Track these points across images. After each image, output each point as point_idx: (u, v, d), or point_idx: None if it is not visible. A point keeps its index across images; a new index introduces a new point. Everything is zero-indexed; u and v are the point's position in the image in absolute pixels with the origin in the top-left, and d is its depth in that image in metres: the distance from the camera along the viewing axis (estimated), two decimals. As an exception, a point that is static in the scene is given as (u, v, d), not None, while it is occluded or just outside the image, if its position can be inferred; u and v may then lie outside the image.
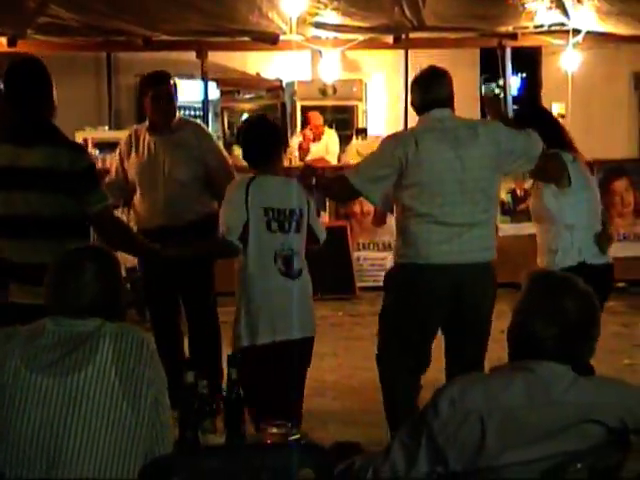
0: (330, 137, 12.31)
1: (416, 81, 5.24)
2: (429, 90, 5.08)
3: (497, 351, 4.92)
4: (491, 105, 5.64)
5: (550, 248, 5.39)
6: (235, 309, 4.91)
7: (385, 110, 13.81)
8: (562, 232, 5.37)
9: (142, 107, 6.30)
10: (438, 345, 5.12)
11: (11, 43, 10.75)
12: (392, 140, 5.14)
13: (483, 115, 13.52)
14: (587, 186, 5.50)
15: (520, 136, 5.16)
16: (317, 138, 12.07)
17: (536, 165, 5.23)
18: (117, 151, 6.33)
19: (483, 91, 4.73)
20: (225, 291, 9.78)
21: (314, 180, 5.23)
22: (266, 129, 5.14)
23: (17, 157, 4.41)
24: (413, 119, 5.47)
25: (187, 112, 13.61)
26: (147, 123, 6.16)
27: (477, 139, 4.96)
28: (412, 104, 5.26)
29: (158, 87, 6.08)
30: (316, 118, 12.18)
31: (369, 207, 10.25)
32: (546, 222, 5.46)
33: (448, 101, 5.09)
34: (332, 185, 5.41)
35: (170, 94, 6.12)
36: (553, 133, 5.46)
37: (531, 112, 5.77)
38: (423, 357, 5.05)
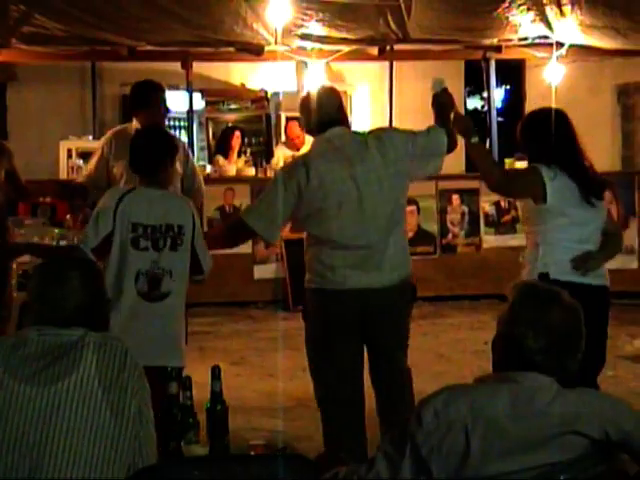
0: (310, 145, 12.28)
1: (305, 103, 4.92)
2: (319, 110, 4.79)
3: (479, 362, 4.96)
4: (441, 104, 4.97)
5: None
6: None
7: (369, 121, 13.82)
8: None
9: (137, 112, 6.29)
10: (418, 356, 5.10)
11: (-5, 52, 10.75)
12: (282, 173, 4.84)
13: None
14: (575, 205, 4.93)
15: (419, 137, 4.84)
16: (298, 148, 12.07)
17: (505, 182, 5.01)
18: (100, 152, 6.35)
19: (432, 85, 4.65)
20: (198, 302, 9.79)
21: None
22: (153, 139, 4.88)
23: None
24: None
25: (172, 122, 13.62)
26: (138, 126, 6.17)
27: (368, 152, 4.71)
28: (306, 128, 5.05)
29: (162, 92, 6.17)
30: (294, 129, 12.16)
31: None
32: (537, 222, 4.98)
33: (341, 119, 4.84)
34: (221, 232, 5.21)
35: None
36: (547, 146, 4.99)
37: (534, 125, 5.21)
38: (352, 382, 4.80)
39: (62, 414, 2.79)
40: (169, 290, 4.62)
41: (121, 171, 6.12)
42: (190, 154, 6.69)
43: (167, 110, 6.29)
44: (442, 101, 5.00)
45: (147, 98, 6.26)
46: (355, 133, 4.97)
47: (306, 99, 4.92)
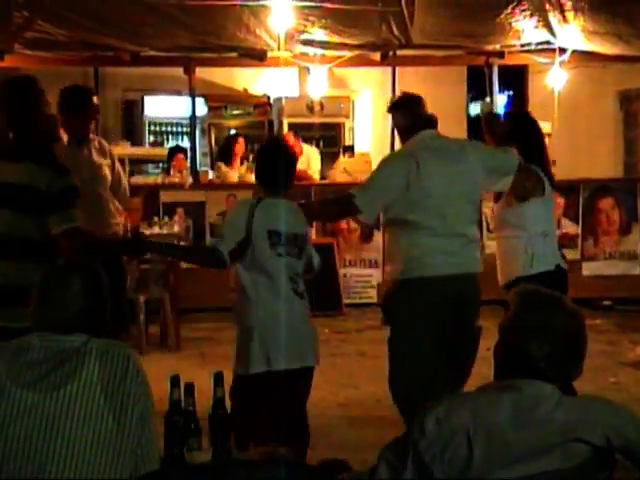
0: (311, 154, 12.29)
1: (401, 105, 5.37)
2: (417, 112, 5.26)
3: (482, 368, 4.94)
4: (489, 123, 5.82)
5: (523, 253, 5.52)
6: (238, 333, 4.74)
7: (372, 127, 13.84)
8: (536, 238, 5.56)
9: (67, 116, 6.29)
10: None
11: (-2, 58, 10.76)
12: (393, 161, 5.31)
13: (470, 132, 13.56)
14: (551, 196, 5.80)
15: (499, 154, 5.41)
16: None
17: (515, 184, 5.40)
18: None
19: (480, 108, 4.83)
20: (200, 307, 9.78)
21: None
22: (283, 153, 5.02)
23: (1, 171, 4.44)
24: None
25: (174, 128, 13.64)
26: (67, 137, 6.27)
27: (467, 156, 5.18)
28: (397, 126, 5.36)
29: (93, 97, 6.34)
30: (289, 138, 12.17)
31: (355, 224, 10.25)
32: (516, 228, 5.59)
33: (434, 122, 5.29)
34: (325, 205, 5.47)
35: None
36: (536, 149, 5.72)
37: (519, 127, 5.85)
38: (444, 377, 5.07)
39: (65, 420, 2.79)
40: (302, 292, 4.81)
41: None
42: (116, 159, 6.67)
43: (96, 115, 6.30)
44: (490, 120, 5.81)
45: (80, 103, 6.26)
46: (451, 138, 5.45)
47: (412, 100, 5.37)
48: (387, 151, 12.87)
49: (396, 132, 5.63)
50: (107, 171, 6.38)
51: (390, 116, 5.43)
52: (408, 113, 5.28)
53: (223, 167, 11.62)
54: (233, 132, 13.34)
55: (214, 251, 4.68)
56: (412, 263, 5.06)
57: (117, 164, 6.61)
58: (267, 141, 5.78)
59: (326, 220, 5.45)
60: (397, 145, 12.91)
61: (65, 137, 6.25)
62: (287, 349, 4.61)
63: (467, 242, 5.15)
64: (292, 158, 5.08)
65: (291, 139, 11.90)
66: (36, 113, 4.57)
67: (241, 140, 11.94)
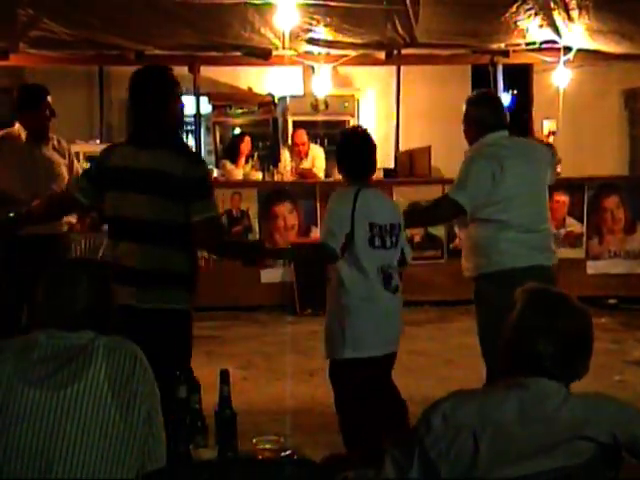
0: (316, 153, 12.30)
1: (490, 100, 5.68)
2: (501, 111, 5.56)
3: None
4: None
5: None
6: (330, 320, 4.96)
7: (376, 126, 13.84)
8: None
9: (22, 114, 6.32)
10: (424, 360, 5.12)
11: (3, 56, 10.77)
12: (479, 161, 5.41)
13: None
14: None
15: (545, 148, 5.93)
16: (304, 155, 12.07)
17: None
18: None
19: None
20: (205, 306, 9.80)
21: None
22: (370, 143, 5.10)
23: (135, 158, 4.50)
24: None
25: (179, 127, 13.60)
26: (21, 129, 6.33)
27: (535, 155, 5.56)
28: (478, 120, 5.50)
29: (48, 96, 6.30)
30: (300, 136, 12.18)
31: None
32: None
33: (506, 123, 5.58)
34: (430, 210, 5.67)
35: None
36: None
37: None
38: None
39: (72, 418, 2.79)
40: (397, 284, 4.97)
41: (6, 175, 6.17)
42: (75, 160, 6.70)
43: (52, 114, 6.31)
44: None
45: (34, 101, 6.27)
46: (522, 138, 5.86)
47: (497, 99, 5.81)
48: (391, 149, 12.91)
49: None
50: (64, 170, 6.40)
51: (466, 108, 5.57)
52: (495, 110, 5.52)
53: (228, 165, 11.62)
54: (239, 131, 13.33)
55: (326, 248, 4.82)
56: (493, 257, 5.31)
57: (76, 164, 6.65)
58: (348, 132, 5.81)
59: (434, 224, 5.65)
60: (402, 144, 12.97)
61: (23, 134, 6.30)
62: (376, 337, 4.85)
63: (546, 236, 5.48)
64: (374, 146, 5.15)
65: (303, 137, 11.93)
66: (172, 102, 4.62)
67: (247, 139, 11.94)
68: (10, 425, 2.79)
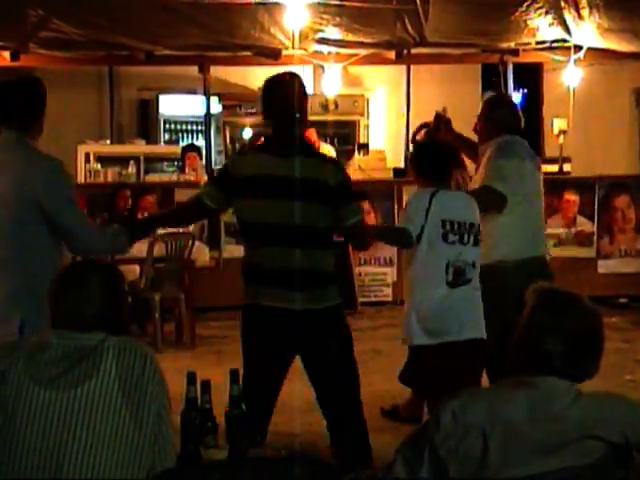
0: (326, 152, 12.28)
1: (512, 104, 6.16)
2: (519, 117, 5.94)
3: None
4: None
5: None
6: (406, 308, 5.28)
7: (386, 125, 13.84)
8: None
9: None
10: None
11: (14, 57, 10.79)
12: (513, 157, 5.74)
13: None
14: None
15: None
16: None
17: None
18: None
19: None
20: (215, 305, 9.79)
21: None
22: (442, 148, 5.52)
23: (278, 166, 4.65)
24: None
25: (189, 127, 13.64)
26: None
27: (537, 159, 6.05)
28: (500, 121, 5.83)
29: None
30: (311, 134, 12.18)
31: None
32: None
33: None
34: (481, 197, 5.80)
35: None
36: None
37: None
38: None
39: (82, 418, 2.80)
40: (470, 278, 5.19)
41: None
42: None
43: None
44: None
45: None
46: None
47: (509, 100, 6.47)
48: (401, 149, 12.89)
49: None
50: None
51: (489, 108, 5.91)
52: (516, 114, 5.93)
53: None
54: (249, 130, 13.31)
55: (405, 231, 5.12)
56: (526, 244, 5.76)
57: None
58: (424, 143, 6.22)
59: (491, 211, 5.81)
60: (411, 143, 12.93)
61: None
62: (442, 326, 5.14)
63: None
64: (452, 152, 5.64)
65: (314, 136, 11.92)
66: (307, 109, 4.83)
67: (262, 139, 11.90)
68: (20, 425, 2.80)
